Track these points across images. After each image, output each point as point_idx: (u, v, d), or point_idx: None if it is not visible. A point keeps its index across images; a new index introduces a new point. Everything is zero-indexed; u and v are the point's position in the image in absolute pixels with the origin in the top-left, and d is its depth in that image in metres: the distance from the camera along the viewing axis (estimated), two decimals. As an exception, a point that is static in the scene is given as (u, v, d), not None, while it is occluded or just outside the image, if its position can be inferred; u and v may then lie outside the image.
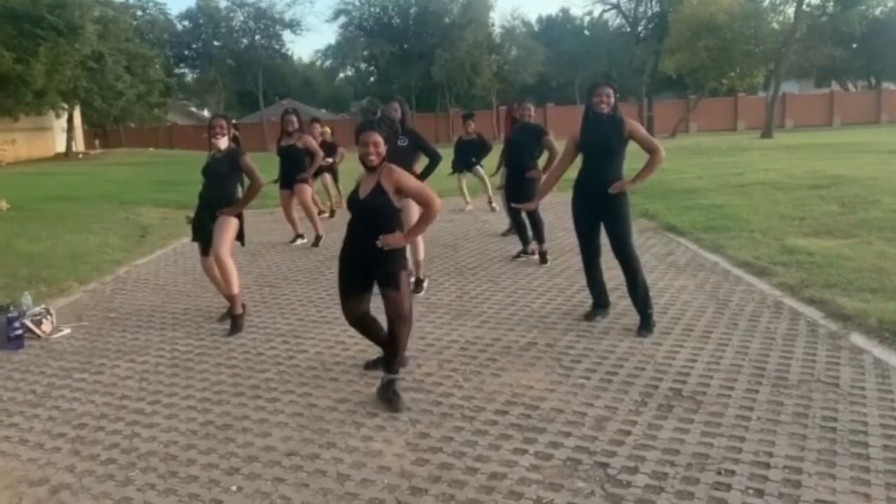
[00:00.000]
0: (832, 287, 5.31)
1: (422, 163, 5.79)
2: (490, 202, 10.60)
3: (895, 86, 42.91)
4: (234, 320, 5.09)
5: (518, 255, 7.06)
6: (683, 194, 10.58)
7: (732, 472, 2.83)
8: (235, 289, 5.09)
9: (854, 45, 39.25)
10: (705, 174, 13.11)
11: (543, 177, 6.46)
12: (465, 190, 10.88)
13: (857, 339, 4.33)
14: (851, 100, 41.90)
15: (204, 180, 5.18)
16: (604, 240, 4.78)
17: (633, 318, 4.84)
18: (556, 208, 8.82)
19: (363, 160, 3.53)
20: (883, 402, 3.42)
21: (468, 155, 10.34)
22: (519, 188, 6.67)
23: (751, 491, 2.70)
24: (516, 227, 7.11)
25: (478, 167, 10.50)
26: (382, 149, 3.53)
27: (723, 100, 41.21)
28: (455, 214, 10.31)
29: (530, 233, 6.93)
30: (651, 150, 4.57)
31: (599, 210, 4.67)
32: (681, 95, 43.38)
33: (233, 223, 5.07)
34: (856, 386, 3.63)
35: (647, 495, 2.71)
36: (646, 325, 4.61)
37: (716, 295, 5.42)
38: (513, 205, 6.44)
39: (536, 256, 6.86)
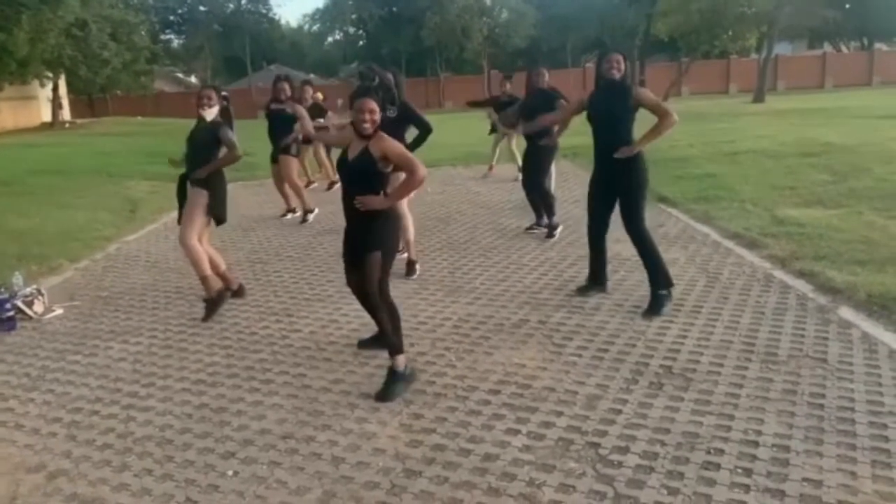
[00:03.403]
0: (822, 259, 5.35)
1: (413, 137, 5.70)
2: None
3: (888, 47, 42.67)
4: (207, 305, 4.92)
5: (531, 228, 7.02)
6: (675, 163, 10.53)
7: (721, 451, 2.88)
8: (206, 270, 4.91)
9: (847, 6, 38.88)
10: (697, 142, 13.05)
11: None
12: (517, 153, 9.91)
13: (846, 312, 4.37)
14: (844, 61, 41.62)
15: (186, 148, 5.00)
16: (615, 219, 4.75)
17: (624, 294, 4.87)
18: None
19: (357, 127, 3.51)
20: (870, 378, 3.47)
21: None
22: (535, 155, 6.74)
23: (739, 470, 2.75)
24: (530, 200, 7.05)
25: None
26: (377, 116, 3.51)
27: (715, 62, 40.91)
28: (447, 186, 10.25)
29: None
30: (661, 115, 4.46)
31: (613, 181, 4.63)
32: (673, 58, 42.99)
33: (199, 206, 4.83)
34: (843, 361, 3.68)
35: (637, 475, 2.75)
36: (654, 307, 4.51)
37: (706, 268, 5.45)
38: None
39: (545, 230, 6.85)
